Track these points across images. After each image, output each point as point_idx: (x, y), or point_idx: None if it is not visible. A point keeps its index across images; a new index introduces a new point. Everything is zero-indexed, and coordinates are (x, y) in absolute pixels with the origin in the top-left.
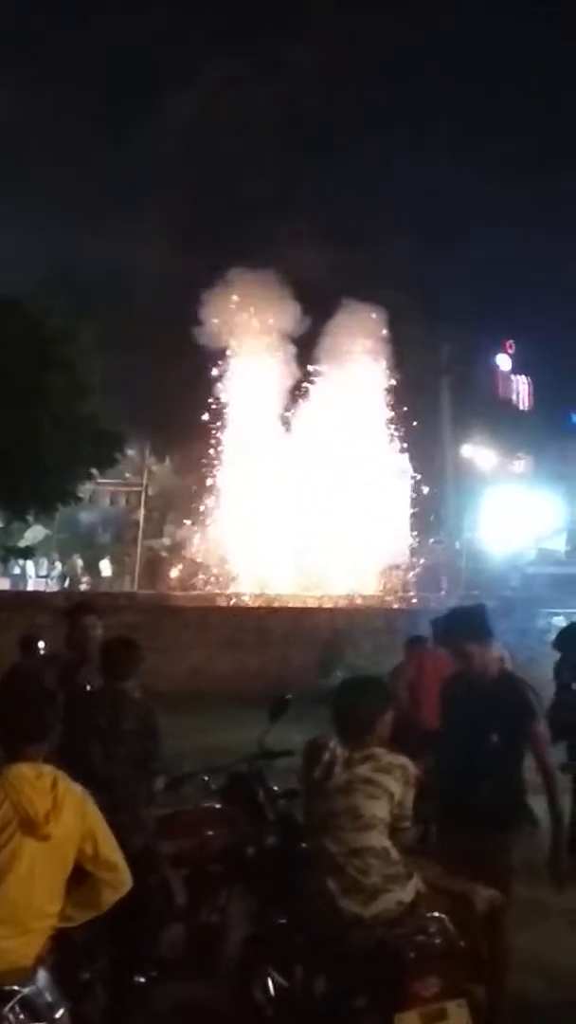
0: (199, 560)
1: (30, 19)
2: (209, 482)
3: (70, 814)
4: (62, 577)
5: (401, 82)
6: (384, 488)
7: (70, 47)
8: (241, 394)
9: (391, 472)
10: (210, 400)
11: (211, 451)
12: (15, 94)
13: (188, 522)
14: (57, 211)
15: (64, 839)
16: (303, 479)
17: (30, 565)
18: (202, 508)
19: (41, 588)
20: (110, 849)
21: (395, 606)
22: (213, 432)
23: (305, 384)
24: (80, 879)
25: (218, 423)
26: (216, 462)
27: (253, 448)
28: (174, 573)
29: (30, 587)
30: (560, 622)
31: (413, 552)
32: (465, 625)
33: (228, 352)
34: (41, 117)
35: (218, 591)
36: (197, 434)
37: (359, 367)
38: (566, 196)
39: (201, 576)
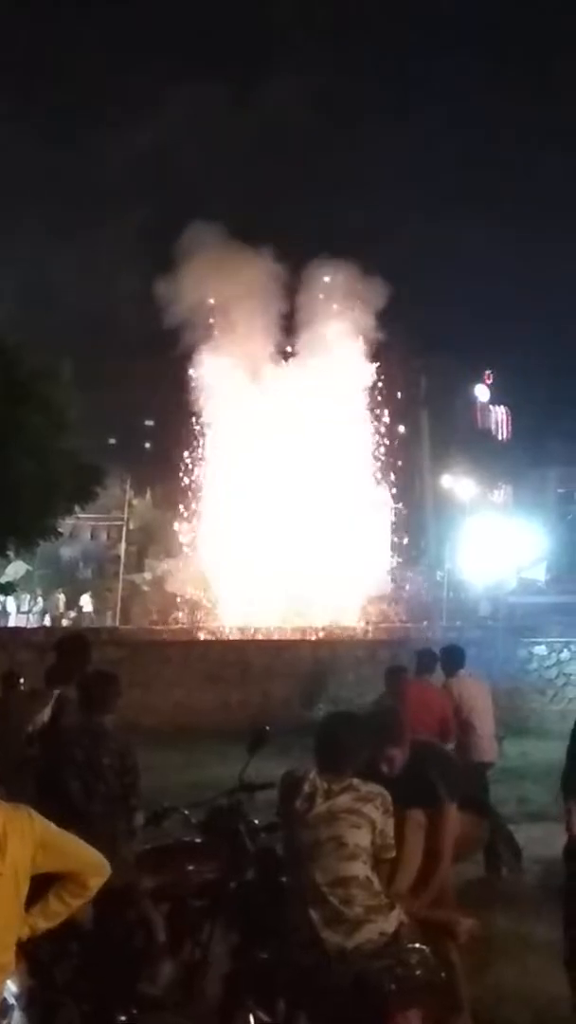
0: (180, 594)
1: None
2: (189, 515)
3: (16, 843)
4: (42, 613)
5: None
6: (365, 519)
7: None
8: (222, 428)
9: (372, 503)
10: (191, 433)
11: (191, 485)
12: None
13: (169, 557)
14: (33, 247)
15: (16, 869)
16: (284, 511)
17: (11, 601)
18: (183, 542)
19: (22, 624)
20: (74, 853)
21: (377, 637)
22: (193, 466)
23: (285, 415)
24: (42, 885)
25: (198, 456)
26: (197, 496)
27: (233, 481)
28: (155, 607)
29: (11, 623)
30: (541, 651)
31: (394, 582)
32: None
33: (208, 385)
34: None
35: (200, 625)
36: (177, 468)
37: (340, 399)
38: (546, 231)
39: (183, 610)
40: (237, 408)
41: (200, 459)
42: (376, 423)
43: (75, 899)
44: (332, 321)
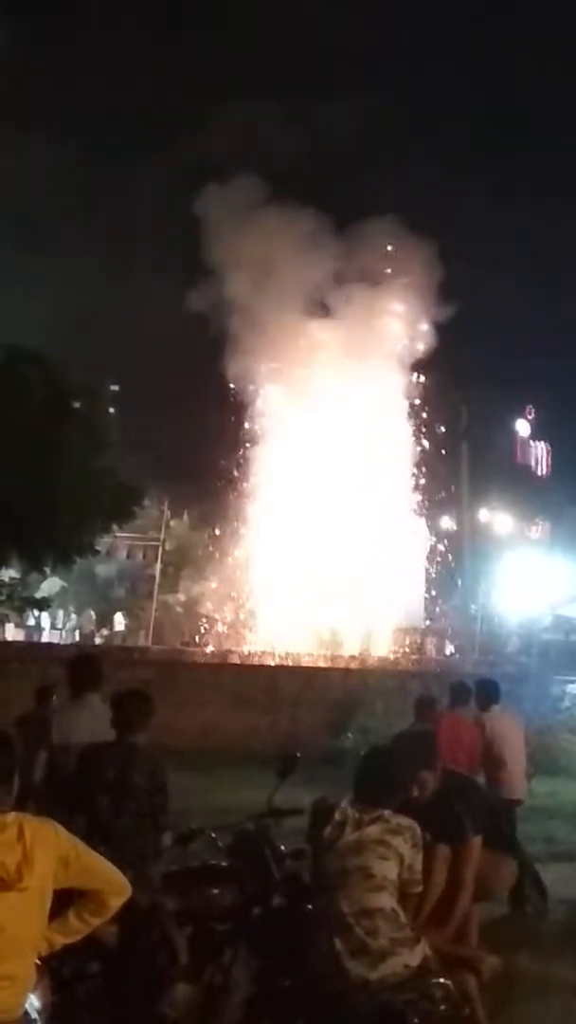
0: (214, 616)
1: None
2: (226, 539)
3: (42, 857)
4: (75, 629)
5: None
6: (401, 549)
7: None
8: (262, 452)
9: (409, 533)
10: (232, 459)
11: (229, 508)
12: (32, 150)
13: (204, 580)
14: (79, 266)
15: (41, 883)
16: (321, 537)
17: (45, 616)
18: (219, 565)
19: (55, 640)
20: (97, 870)
21: (408, 668)
22: (232, 490)
23: (327, 440)
24: (63, 901)
25: (238, 480)
26: (235, 519)
27: (272, 505)
28: (188, 629)
29: (44, 638)
30: (574, 690)
31: (428, 614)
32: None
33: (252, 411)
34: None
35: (231, 648)
36: (216, 491)
37: (383, 428)
38: None
39: (215, 632)
40: (279, 431)
41: (240, 483)
42: (417, 454)
43: (95, 917)
44: (377, 346)
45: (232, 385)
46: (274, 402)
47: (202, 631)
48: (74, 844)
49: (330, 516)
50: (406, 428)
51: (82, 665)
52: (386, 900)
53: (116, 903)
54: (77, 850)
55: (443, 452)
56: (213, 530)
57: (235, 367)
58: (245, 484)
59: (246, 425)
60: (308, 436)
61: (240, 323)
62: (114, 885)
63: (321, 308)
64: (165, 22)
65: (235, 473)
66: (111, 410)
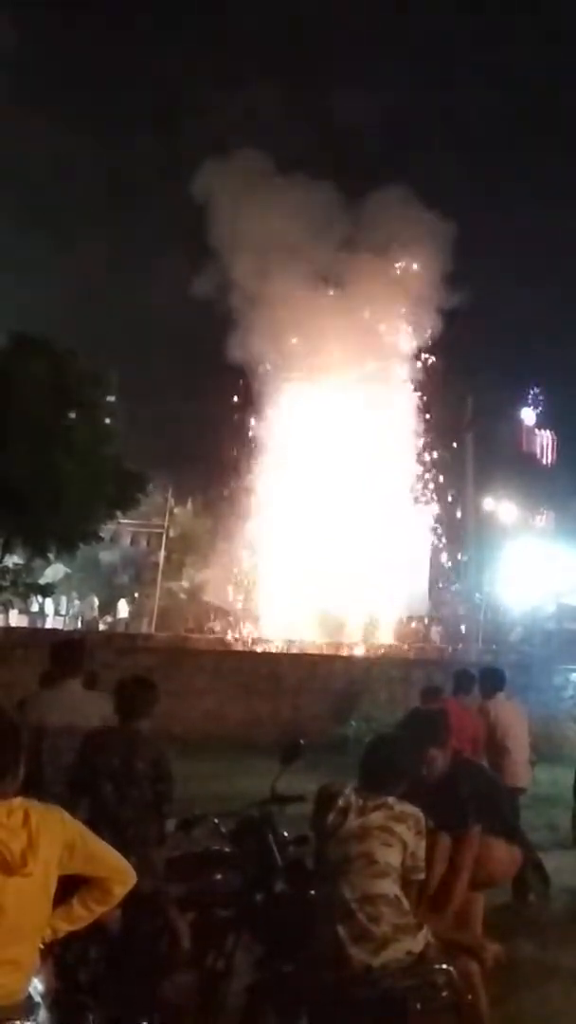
0: (218, 604)
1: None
2: (230, 526)
3: (47, 843)
4: (78, 616)
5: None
6: (406, 538)
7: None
8: (268, 440)
9: (414, 522)
10: (237, 444)
11: (233, 495)
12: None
13: (207, 567)
14: (86, 255)
15: (46, 870)
16: (326, 525)
17: (49, 603)
18: (223, 553)
19: (59, 626)
20: (102, 858)
21: (412, 656)
22: (236, 477)
23: (333, 433)
24: (67, 889)
25: (242, 468)
26: (239, 506)
27: (276, 494)
28: (191, 616)
29: (48, 625)
30: None
31: (432, 603)
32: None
33: (256, 398)
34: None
35: (235, 635)
36: (221, 479)
37: (389, 417)
38: None
39: (218, 620)
40: (285, 421)
41: (244, 470)
42: (421, 442)
43: (99, 905)
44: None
45: (239, 367)
46: (279, 389)
47: (206, 619)
48: (80, 831)
49: (335, 504)
50: (412, 417)
51: (61, 650)
52: (389, 887)
53: (121, 891)
54: (83, 837)
55: (449, 441)
56: (218, 518)
57: (240, 349)
58: (249, 474)
59: (251, 421)
60: (314, 424)
61: (244, 300)
62: (119, 873)
63: (328, 284)
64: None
65: (238, 458)
66: (111, 398)
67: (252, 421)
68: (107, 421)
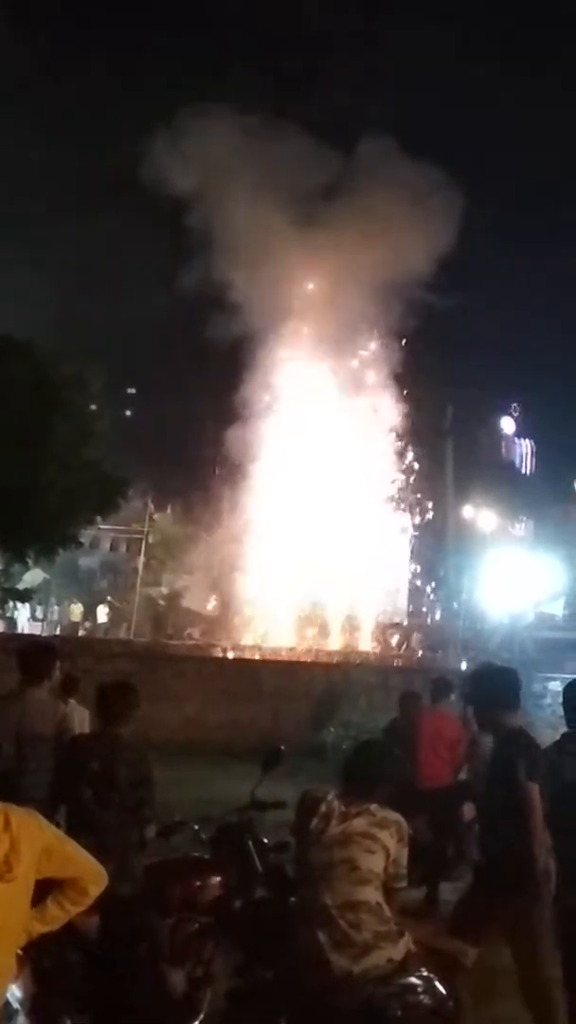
0: (197, 610)
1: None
2: (209, 532)
3: (28, 847)
4: (57, 622)
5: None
6: (385, 545)
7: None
8: (245, 446)
9: (393, 529)
10: (217, 451)
11: (213, 501)
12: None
13: (187, 573)
14: (68, 257)
15: (26, 872)
16: (304, 532)
17: (25, 608)
18: (203, 559)
19: (36, 632)
20: (76, 861)
21: (391, 663)
22: (216, 483)
23: (311, 440)
24: (41, 893)
25: (222, 474)
26: (218, 513)
27: (255, 499)
28: (171, 622)
29: (27, 630)
30: (556, 687)
31: (411, 610)
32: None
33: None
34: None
35: (214, 641)
36: (200, 484)
37: (367, 425)
38: None
39: (198, 625)
40: (262, 427)
41: (223, 477)
42: (401, 450)
43: (74, 906)
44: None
45: (220, 372)
46: (259, 391)
47: (185, 625)
48: (55, 834)
49: (314, 510)
50: (392, 425)
51: (26, 656)
52: (371, 894)
53: (95, 891)
54: (59, 840)
55: (429, 449)
56: (197, 524)
57: (222, 328)
58: (229, 481)
59: (232, 426)
60: (294, 431)
61: (227, 270)
62: (92, 874)
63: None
64: None
65: (218, 463)
66: (93, 407)
67: (233, 426)
68: (90, 425)
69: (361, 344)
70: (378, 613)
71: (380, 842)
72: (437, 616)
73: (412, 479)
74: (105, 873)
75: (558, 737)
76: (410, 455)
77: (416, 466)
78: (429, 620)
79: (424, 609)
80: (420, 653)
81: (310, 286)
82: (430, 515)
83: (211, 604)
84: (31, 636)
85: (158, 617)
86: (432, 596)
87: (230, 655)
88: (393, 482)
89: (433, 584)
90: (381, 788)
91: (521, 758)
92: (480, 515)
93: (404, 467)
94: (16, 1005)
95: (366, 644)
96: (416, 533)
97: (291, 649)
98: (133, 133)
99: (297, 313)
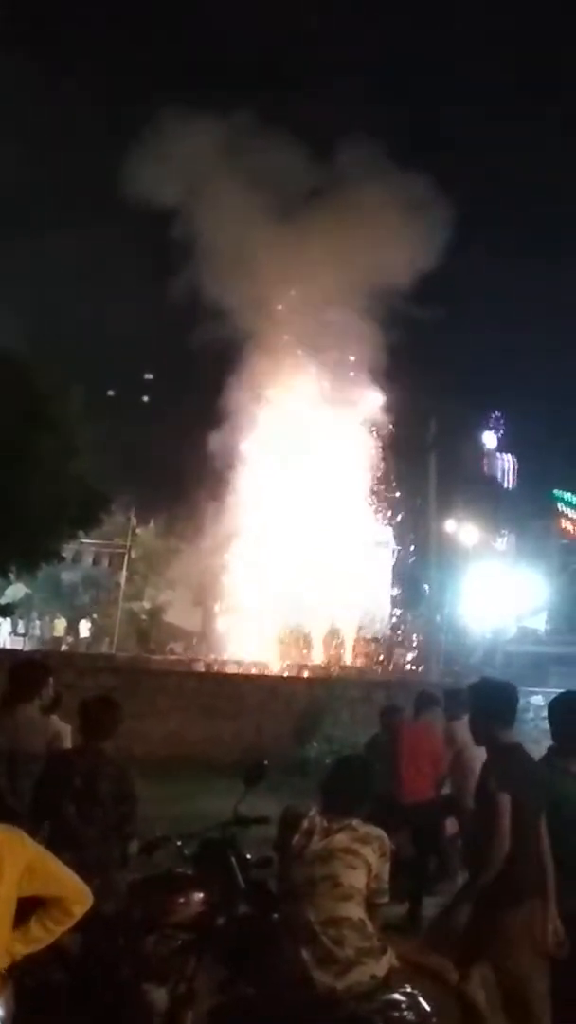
0: (179, 624)
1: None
2: (192, 547)
3: (11, 865)
4: (39, 636)
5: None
6: (367, 559)
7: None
8: (230, 460)
9: (375, 544)
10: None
11: (196, 516)
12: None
13: (169, 588)
14: (52, 272)
15: (8, 891)
16: (287, 546)
17: (6, 623)
18: (186, 573)
19: (18, 647)
20: (59, 880)
21: (373, 677)
22: (199, 499)
23: (293, 452)
24: (25, 910)
25: (205, 488)
26: (200, 528)
27: (237, 513)
28: (153, 636)
29: (8, 645)
30: (539, 701)
31: (393, 624)
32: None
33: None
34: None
35: (196, 656)
36: (184, 499)
37: (350, 440)
38: (560, 281)
39: (180, 640)
40: (249, 441)
41: (206, 491)
42: (384, 464)
43: (57, 926)
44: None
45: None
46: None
47: (168, 639)
48: (39, 852)
49: (296, 525)
50: (373, 439)
51: (21, 673)
52: (353, 909)
53: (79, 911)
54: (42, 858)
55: (411, 463)
56: (179, 538)
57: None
58: (210, 497)
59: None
60: (278, 442)
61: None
62: (76, 893)
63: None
64: None
65: (199, 481)
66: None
67: (215, 440)
68: (73, 439)
69: (344, 359)
70: (360, 627)
71: (362, 858)
72: (420, 630)
73: (396, 493)
74: (89, 892)
75: (541, 751)
76: (393, 469)
77: (399, 480)
78: (411, 634)
79: (406, 623)
80: (407, 667)
81: (292, 292)
82: (412, 529)
83: (194, 619)
84: (12, 651)
85: (141, 632)
86: (414, 610)
87: (213, 670)
88: (375, 495)
89: (415, 598)
90: (362, 804)
91: (495, 768)
92: (462, 529)
93: (387, 481)
94: None
95: (348, 658)
96: (398, 547)
97: (273, 663)
98: (114, 142)
99: (280, 323)
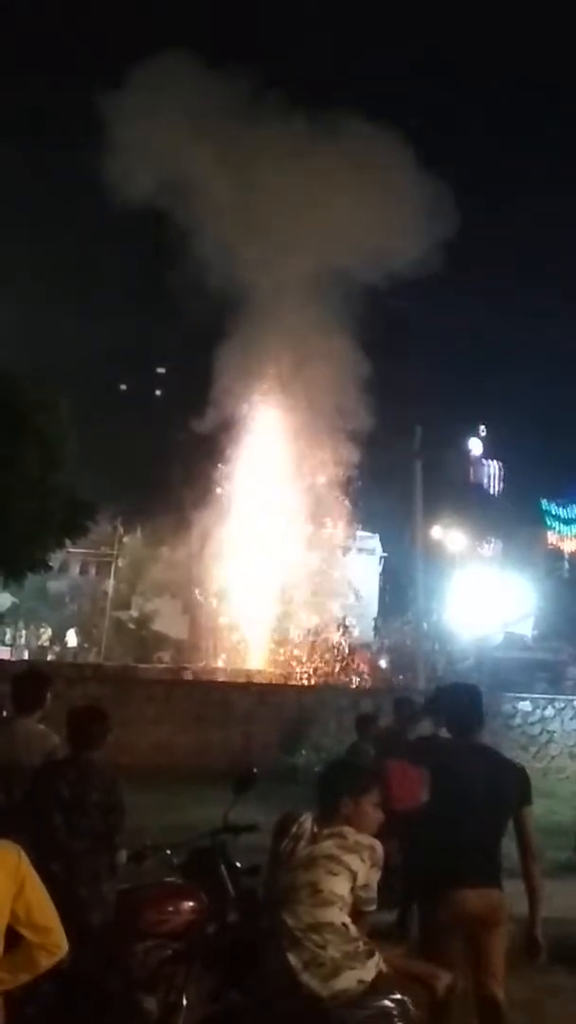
0: (167, 633)
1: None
2: (178, 554)
3: (4, 876)
4: (25, 645)
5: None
6: (353, 567)
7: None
8: (217, 468)
9: (361, 551)
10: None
11: (182, 523)
12: None
13: (157, 596)
14: (36, 284)
15: (1, 906)
16: (273, 553)
17: None
18: (174, 582)
19: (4, 656)
20: (42, 912)
21: (361, 685)
22: (185, 506)
23: (279, 457)
24: (12, 940)
25: (192, 495)
26: (187, 535)
27: (224, 521)
28: (141, 645)
29: None
30: (526, 707)
31: (380, 631)
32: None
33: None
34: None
35: (184, 664)
36: (169, 506)
37: (333, 448)
38: (543, 286)
39: (168, 649)
40: (234, 448)
41: (193, 499)
42: (369, 471)
43: (23, 973)
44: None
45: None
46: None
47: (155, 648)
48: (31, 873)
49: (282, 531)
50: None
51: (24, 685)
52: (335, 915)
53: (47, 963)
54: (32, 880)
55: (397, 470)
56: (166, 546)
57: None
58: (197, 505)
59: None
60: (262, 450)
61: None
62: (49, 942)
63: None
64: None
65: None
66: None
67: (202, 448)
68: (59, 449)
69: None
70: (347, 635)
71: (345, 864)
72: (406, 637)
73: (381, 501)
74: (65, 946)
75: (528, 756)
76: (379, 476)
77: (385, 487)
78: (398, 641)
79: (392, 630)
80: (390, 674)
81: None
82: (399, 536)
83: (182, 627)
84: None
85: (133, 640)
86: (401, 617)
87: (203, 676)
88: (362, 503)
89: (402, 605)
90: (345, 801)
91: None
92: (449, 536)
93: (373, 487)
94: None
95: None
96: (385, 554)
97: (261, 672)
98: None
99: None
